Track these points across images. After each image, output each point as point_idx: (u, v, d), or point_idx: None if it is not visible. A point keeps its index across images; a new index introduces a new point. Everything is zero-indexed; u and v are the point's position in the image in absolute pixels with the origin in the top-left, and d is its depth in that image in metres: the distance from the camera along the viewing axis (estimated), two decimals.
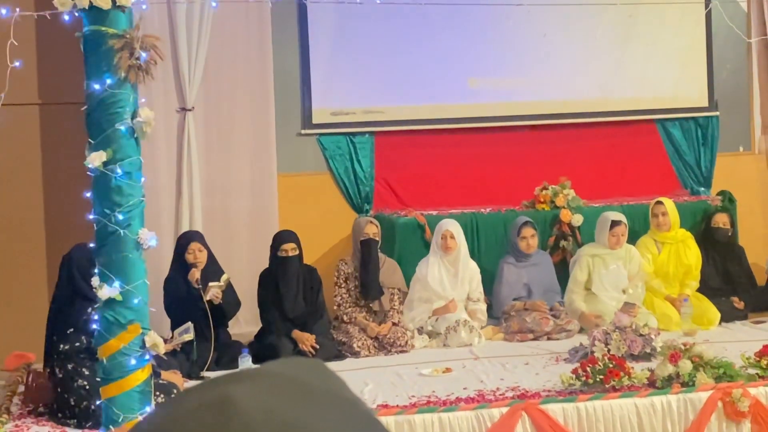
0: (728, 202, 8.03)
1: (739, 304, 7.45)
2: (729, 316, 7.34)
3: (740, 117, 8.74)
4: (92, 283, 4.30)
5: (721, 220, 7.74)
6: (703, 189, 8.52)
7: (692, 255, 7.54)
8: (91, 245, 4.42)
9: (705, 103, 8.63)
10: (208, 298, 6.18)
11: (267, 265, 6.97)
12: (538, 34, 8.25)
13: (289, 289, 6.79)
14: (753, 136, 8.75)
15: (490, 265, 7.51)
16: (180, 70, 7.56)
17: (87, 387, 4.94)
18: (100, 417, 4.41)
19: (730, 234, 7.78)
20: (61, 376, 5.17)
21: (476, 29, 8.19)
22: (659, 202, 7.54)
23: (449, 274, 7.18)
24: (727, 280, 7.73)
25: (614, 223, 7.31)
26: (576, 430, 5.20)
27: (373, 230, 7.14)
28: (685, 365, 5.43)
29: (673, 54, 8.56)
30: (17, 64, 4.75)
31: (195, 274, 6.37)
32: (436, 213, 7.68)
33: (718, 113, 8.61)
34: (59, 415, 5.21)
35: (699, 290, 7.52)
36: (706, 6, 8.39)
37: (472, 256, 7.44)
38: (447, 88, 8.23)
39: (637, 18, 8.35)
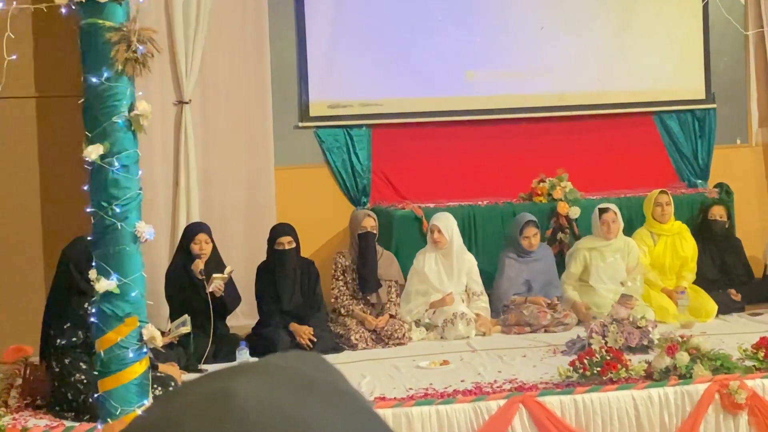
0: (725, 194, 8.06)
1: (736, 296, 7.56)
2: (726, 308, 7.40)
3: (737, 109, 8.82)
4: (89, 276, 4.29)
5: (718, 212, 7.81)
6: (700, 181, 8.58)
7: (688, 247, 7.59)
8: (90, 238, 4.42)
9: (702, 96, 8.72)
10: (210, 289, 6.18)
11: (264, 258, 6.97)
12: (536, 26, 8.28)
13: (287, 282, 6.82)
14: (750, 129, 8.83)
15: (488, 257, 7.54)
16: (177, 63, 7.57)
17: (84, 381, 4.93)
18: (97, 410, 4.40)
19: (726, 226, 7.85)
20: (57, 370, 5.17)
21: (474, 21, 8.27)
22: (663, 192, 7.60)
23: (445, 268, 7.19)
24: (724, 272, 7.79)
25: (602, 211, 7.39)
26: (573, 422, 5.22)
27: (370, 223, 7.14)
28: (683, 357, 5.45)
29: (671, 46, 8.64)
30: (14, 57, 4.77)
31: (199, 265, 6.40)
32: (434, 206, 7.70)
33: (715, 106, 8.70)
34: (57, 408, 5.18)
35: (696, 282, 7.56)
36: None
37: (469, 248, 7.44)
38: (444, 81, 8.30)
39: (634, 10, 8.41)
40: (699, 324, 6.94)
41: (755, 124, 8.81)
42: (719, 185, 8.19)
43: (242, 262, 7.28)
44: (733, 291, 7.54)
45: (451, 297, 7.02)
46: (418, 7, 8.10)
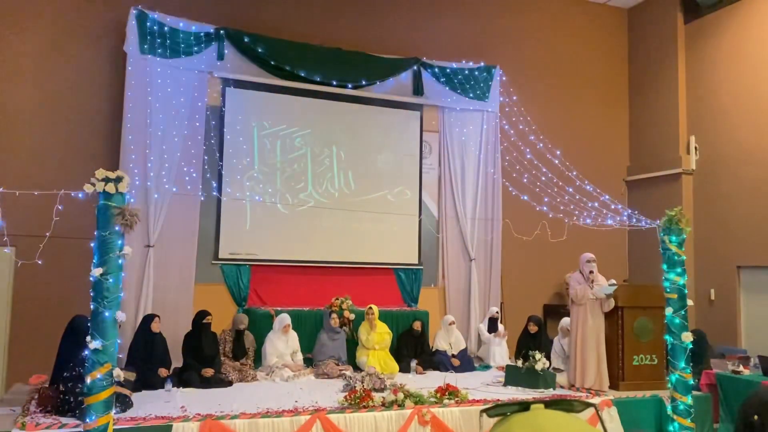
0: (424, 314, 8.46)
1: (418, 367, 7.43)
2: (407, 369, 7.35)
3: (432, 268, 9.16)
4: (86, 339, 4.20)
5: (417, 324, 7.85)
6: (413, 304, 8.87)
7: (388, 337, 7.65)
8: (88, 318, 4.30)
9: (416, 261, 9.01)
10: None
11: (189, 330, 6.79)
12: (335, 230, 8.55)
13: (207, 342, 6.67)
14: (437, 279, 9.17)
15: (308, 335, 7.55)
16: (148, 225, 7.50)
17: (78, 397, 4.70)
18: (83, 414, 4.21)
19: (420, 332, 7.86)
20: (63, 390, 4.93)
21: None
22: (371, 307, 7.64)
23: (281, 341, 7.19)
24: (413, 353, 7.71)
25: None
26: (345, 429, 5.18)
27: (244, 322, 7.15)
28: (400, 395, 5.57)
29: (402, 239, 8.96)
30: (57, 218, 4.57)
31: (163, 373, 6.17)
32: (281, 308, 7.69)
33: (422, 267, 9.02)
34: (61, 410, 4.94)
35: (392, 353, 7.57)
36: (420, 214, 9.10)
37: (298, 331, 7.40)
38: (294, 250, 8.39)
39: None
40: (390, 376, 6.78)
41: (440, 275, 9.15)
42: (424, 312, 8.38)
43: (173, 332, 7.08)
44: (416, 362, 7.45)
45: (296, 365, 6.95)
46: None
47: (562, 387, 6.59)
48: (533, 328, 7.88)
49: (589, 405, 1.53)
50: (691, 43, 9.92)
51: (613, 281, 7.41)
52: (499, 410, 1.42)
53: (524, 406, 1.44)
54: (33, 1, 7.69)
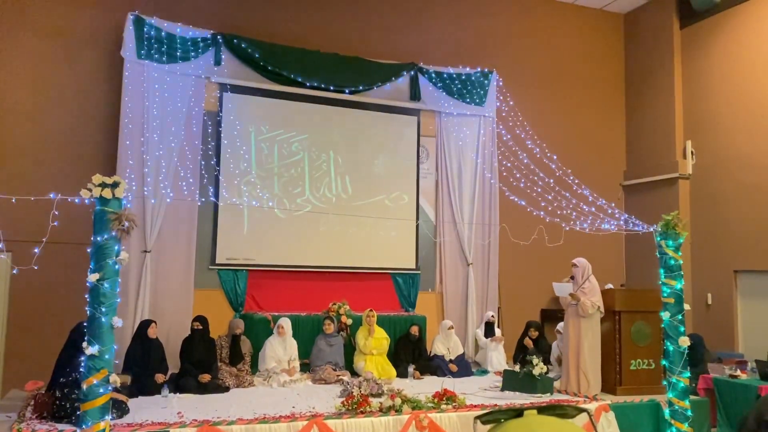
0: (422, 319, 8.45)
1: (416, 372, 7.45)
2: (404, 374, 7.38)
3: (429, 273, 9.14)
4: (83, 345, 4.19)
5: (414, 329, 7.89)
6: (410, 309, 8.89)
7: (386, 342, 7.64)
8: (85, 324, 4.28)
9: (413, 265, 9.01)
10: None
11: (188, 335, 6.79)
12: (338, 233, 8.57)
13: (201, 347, 6.65)
14: (435, 284, 9.18)
15: (306, 340, 7.53)
16: (145, 230, 7.48)
17: (75, 403, 4.70)
18: (79, 420, 4.21)
19: (418, 337, 7.88)
20: (59, 395, 4.92)
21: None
22: (371, 310, 7.69)
23: (281, 346, 7.20)
24: (411, 358, 7.76)
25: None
26: None
27: (240, 327, 7.15)
28: (398, 400, 5.58)
29: (401, 244, 8.97)
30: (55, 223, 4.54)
31: (160, 378, 6.17)
32: (278, 313, 7.71)
33: (419, 271, 9.04)
34: (57, 416, 4.93)
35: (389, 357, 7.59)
36: (417, 219, 9.10)
37: (295, 336, 7.40)
38: (292, 255, 8.38)
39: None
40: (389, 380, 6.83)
41: (437, 280, 9.16)
42: (422, 316, 8.44)
43: (173, 336, 7.05)
44: (414, 367, 7.50)
45: (292, 370, 6.95)
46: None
47: (559, 392, 6.58)
48: (534, 334, 7.91)
49: (582, 410, 1.54)
50: (687, 48, 9.97)
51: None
52: (493, 417, 1.43)
53: (518, 412, 1.45)
54: (30, 5, 7.70)
